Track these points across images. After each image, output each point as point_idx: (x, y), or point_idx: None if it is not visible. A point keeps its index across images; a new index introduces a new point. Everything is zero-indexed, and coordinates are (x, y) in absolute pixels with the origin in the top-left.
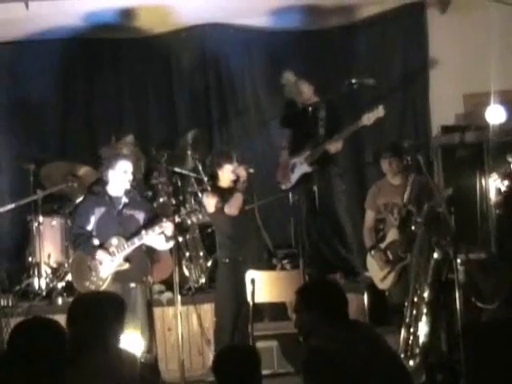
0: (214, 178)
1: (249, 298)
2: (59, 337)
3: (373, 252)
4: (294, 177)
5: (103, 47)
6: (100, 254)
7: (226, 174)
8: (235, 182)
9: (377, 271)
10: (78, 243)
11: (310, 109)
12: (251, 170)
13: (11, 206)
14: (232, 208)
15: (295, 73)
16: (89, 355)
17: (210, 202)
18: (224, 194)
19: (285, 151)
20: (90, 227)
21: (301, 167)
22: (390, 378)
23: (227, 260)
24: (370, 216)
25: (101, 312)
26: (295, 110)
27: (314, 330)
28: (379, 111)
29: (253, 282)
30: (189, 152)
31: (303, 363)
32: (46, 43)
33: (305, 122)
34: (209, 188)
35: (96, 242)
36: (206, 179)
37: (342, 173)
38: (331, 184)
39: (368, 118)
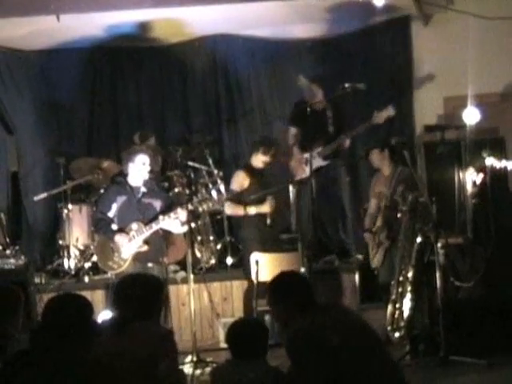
0: (248, 157)
1: (253, 277)
2: (87, 311)
3: (366, 234)
4: (308, 169)
5: (125, 55)
6: (118, 238)
7: (257, 161)
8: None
9: (370, 251)
10: (99, 227)
11: (319, 109)
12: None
13: (44, 195)
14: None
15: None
16: (133, 330)
17: (238, 179)
18: (252, 175)
19: (295, 147)
20: (111, 213)
21: (315, 161)
22: (368, 353)
23: (252, 236)
24: (372, 203)
25: (144, 291)
26: (304, 110)
27: (290, 318)
28: (389, 111)
29: (257, 262)
30: (201, 147)
31: (287, 346)
32: (75, 51)
33: (314, 121)
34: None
35: (115, 226)
36: (215, 172)
37: (346, 165)
38: (338, 175)
39: (380, 117)
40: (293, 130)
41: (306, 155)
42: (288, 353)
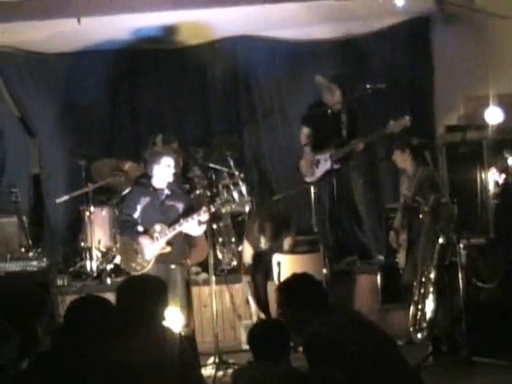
0: None
1: (275, 279)
2: (109, 312)
3: (391, 233)
4: (319, 172)
5: (145, 57)
6: (142, 240)
7: None
8: None
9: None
10: (125, 229)
11: (335, 112)
12: None
13: (66, 197)
14: None
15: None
16: (135, 331)
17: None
18: None
19: (307, 148)
20: (136, 215)
21: (325, 164)
22: (383, 357)
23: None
24: (401, 202)
25: (147, 293)
26: (319, 112)
27: (303, 321)
28: (406, 121)
29: (278, 264)
30: (222, 149)
31: (305, 349)
32: (96, 54)
33: (328, 123)
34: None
35: (140, 228)
36: (236, 173)
37: (360, 167)
38: (350, 177)
39: (395, 126)
40: (306, 130)
41: (318, 157)
42: (306, 356)
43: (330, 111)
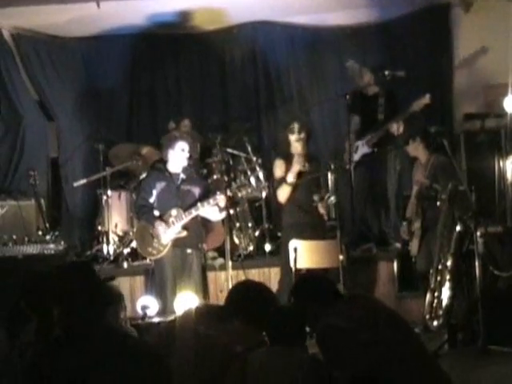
0: (286, 144)
1: (291, 264)
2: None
3: (404, 223)
4: (356, 157)
5: (164, 43)
6: (159, 225)
7: (292, 144)
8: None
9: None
10: (142, 214)
11: (371, 96)
12: (304, 169)
13: (84, 181)
14: (279, 195)
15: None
16: None
17: (278, 168)
18: (290, 161)
19: (352, 135)
20: (152, 199)
21: (362, 148)
22: (400, 344)
23: (292, 223)
24: (413, 190)
25: None
26: (360, 98)
27: (318, 318)
28: (426, 99)
29: (295, 250)
30: (240, 135)
31: (318, 342)
32: (115, 39)
33: (367, 109)
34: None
35: (157, 213)
36: (254, 159)
37: (398, 154)
38: (385, 163)
39: (417, 105)
40: (355, 118)
41: (357, 143)
42: (320, 349)
43: (366, 95)
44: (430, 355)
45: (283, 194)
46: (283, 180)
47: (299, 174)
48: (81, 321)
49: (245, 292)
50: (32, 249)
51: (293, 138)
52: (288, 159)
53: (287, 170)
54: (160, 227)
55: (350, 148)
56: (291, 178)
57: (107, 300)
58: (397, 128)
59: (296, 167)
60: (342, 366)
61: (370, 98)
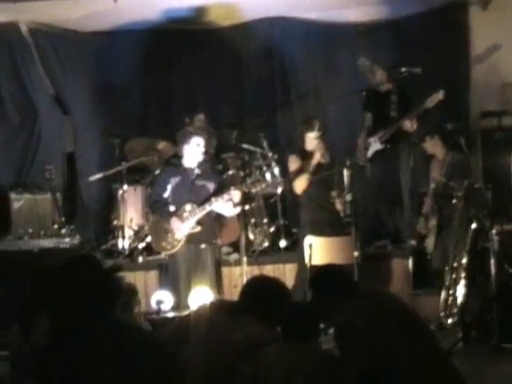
0: (301, 141)
1: (306, 261)
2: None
3: (421, 219)
4: (369, 154)
5: (179, 38)
6: (174, 221)
7: (309, 141)
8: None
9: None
10: (156, 208)
11: (383, 93)
12: (324, 161)
13: (99, 175)
14: (296, 186)
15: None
16: None
17: (292, 165)
18: (307, 158)
19: (364, 132)
20: (166, 194)
21: (374, 145)
22: (416, 342)
23: (309, 219)
24: (430, 188)
25: None
26: (374, 95)
27: (333, 310)
28: (440, 95)
29: (310, 246)
30: (255, 130)
31: (335, 338)
32: (130, 34)
33: (380, 106)
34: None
35: (172, 208)
36: (270, 154)
37: (411, 150)
38: (398, 160)
39: (431, 101)
40: (368, 115)
41: (370, 139)
42: (336, 344)
43: (379, 92)
44: (444, 353)
45: (301, 184)
46: (300, 172)
47: (316, 169)
48: (87, 315)
49: (259, 287)
50: (47, 242)
51: (312, 135)
52: (302, 156)
53: (302, 166)
54: (175, 222)
55: (363, 145)
56: (311, 168)
57: (115, 292)
58: (410, 125)
59: (317, 156)
60: (357, 363)
61: (382, 95)
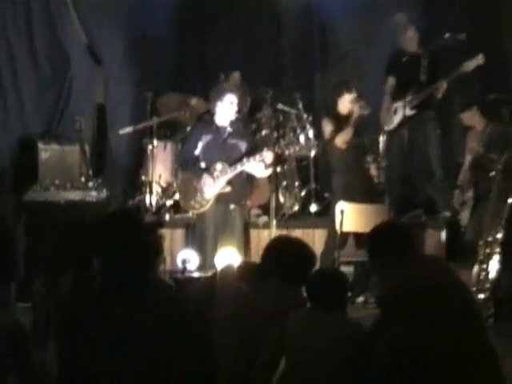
0: (334, 104)
1: (337, 227)
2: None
3: (456, 191)
4: (396, 119)
5: None
6: (206, 177)
7: (344, 104)
8: (350, 114)
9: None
10: (187, 165)
11: (414, 57)
12: (366, 112)
13: (130, 129)
14: (340, 141)
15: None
16: None
17: (326, 128)
18: (340, 122)
19: (388, 97)
20: (197, 152)
21: (402, 110)
22: (463, 327)
23: (341, 184)
24: (466, 159)
25: None
26: (400, 59)
27: (388, 270)
28: (479, 59)
29: (342, 212)
30: (292, 91)
31: (381, 302)
32: None
33: (408, 70)
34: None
35: (203, 165)
36: (305, 116)
37: (436, 117)
38: (427, 128)
39: (467, 65)
40: (391, 80)
41: (396, 104)
42: (380, 308)
43: (409, 56)
44: (487, 338)
45: (345, 137)
46: (335, 133)
47: (359, 123)
48: (126, 272)
49: (282, 248)
50: (74, 195)
51: (347, 97)
52: (337, 119)
53: (336, 129)
54: (206, 178)
55: (389, 110)
56: (353, 121)
57: (156, 251)
58: (441, 89)
59: (357, 110)
60: (397, 336)
61: (410, 59)
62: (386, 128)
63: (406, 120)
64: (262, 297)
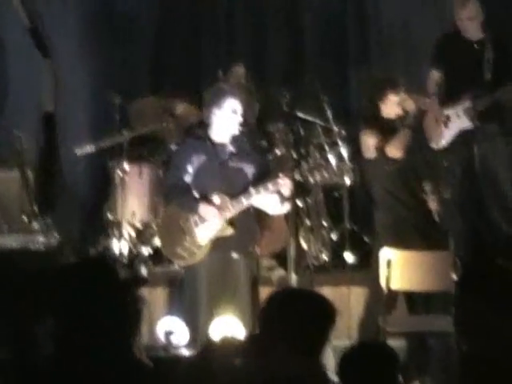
0: (373, 109)
1: (382, 283)
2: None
3: None
4: (449, 133)
5: None
6: (204, 209)
7: (390, 107)
8: (401, 117)
9: None
10: (173, 196)
11: (475, 46)
12: (424, 105)
13: (89, 148)
14: (394, 148)
15: None
16: None
17: (369, 142)
18: (385, 131)
19: (434, 99)
20: (187, 178)
21: (458, 121)
22: None
23: (388, 224)
24: None
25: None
26: (454, 45)
27: (479, 324)
28: None
29: (388, 262)
30: (317, 92)
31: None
32: None
33: (465, 62)
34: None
35: (196, 194)
36: (335, 129)
37: (509, 132)
38: (495, 145)
39: None
40: (436, 74)
41: (448, 111)
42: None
43: (468, 43)
44: None
45: (400, 141)
46: (380, 151)
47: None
48: (93, 348)
49: (286, 305)
50: (13, 241)
51: (395, 99)
52: (381, 129)
53: (381, 144)
54: (207, 213)
55: (438, 119)
56: (410, 120)
57: (134, 318)
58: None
59: (412, 106)
60: None
61: (470, 47)
62: (434, 145)
63: (464, 135)
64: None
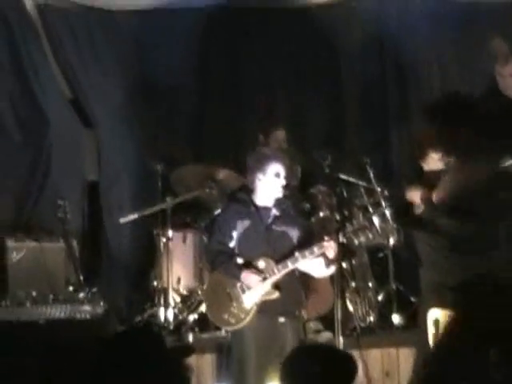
0: (418, 169)
1: (430, 343)
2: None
3: None
4: None
5: (251, 18)
6: (247, 277)
7: (432, 165)
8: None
9: None
10: (218, 263)
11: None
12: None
13: (133, 216)
14: (442, 191)
15: None
16: None
17: (415, 197)
18: (429, 183)
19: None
20: (232, 244)
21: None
22: None
23: (433, 284)
24: None
25: None
26: (492, 103)
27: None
28: None
29: (436, 323)
30: (359, 154)
31: None
32: (181, 12)
33: (503, 121)
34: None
35: (240, 261)
36: (379, 190)
37: None
38: None
39: None
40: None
41: None
42: None
43: (507, 100)
44: None
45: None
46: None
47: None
48: None
49: (304, 365)
50: (58, 311)
51: (436, 156)
52: (426, 184)
53: (428, 194)
54: (251, 281)
55: None
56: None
57: None
58: None
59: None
60: None
61: (509, 105)
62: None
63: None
64: None
